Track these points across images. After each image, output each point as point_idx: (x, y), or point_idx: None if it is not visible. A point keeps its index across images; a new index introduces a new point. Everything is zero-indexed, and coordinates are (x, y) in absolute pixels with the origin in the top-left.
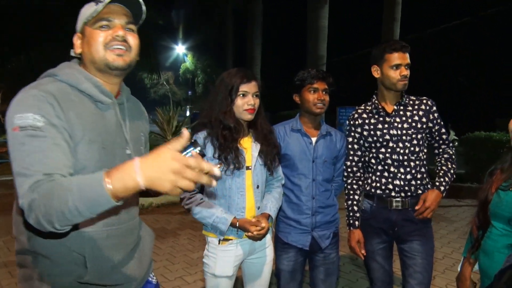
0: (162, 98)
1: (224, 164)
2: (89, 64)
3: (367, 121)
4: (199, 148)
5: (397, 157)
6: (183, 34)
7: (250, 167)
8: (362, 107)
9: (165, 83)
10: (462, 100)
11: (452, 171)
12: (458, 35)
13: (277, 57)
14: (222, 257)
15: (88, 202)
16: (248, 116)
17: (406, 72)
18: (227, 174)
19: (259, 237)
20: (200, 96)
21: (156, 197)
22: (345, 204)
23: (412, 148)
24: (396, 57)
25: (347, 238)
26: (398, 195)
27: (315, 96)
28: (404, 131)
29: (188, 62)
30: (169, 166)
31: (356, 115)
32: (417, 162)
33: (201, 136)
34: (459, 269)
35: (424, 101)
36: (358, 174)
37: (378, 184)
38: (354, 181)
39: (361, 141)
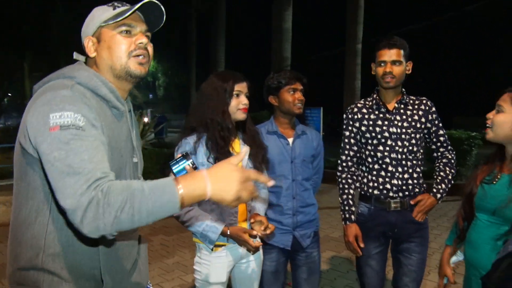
0: None
1: None
2: (106, 69)
3: (366, 116)
4: (191, 161)
5: (395, 156)
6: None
7: None
8: (362, 102)
9: None
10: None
11: (450, 177)
12: (418, 37)
13: (241, 60)
14: (215, 264)
15: (158, 205)
16: (243, 115)
17: (390, 69)
18: None
19: (256, 248)
20: (161, 99)
21: None
22: (340, 199)
23: (410, 148)
24: (382, 54)
25: (327, 236)
26: (396, 195)
27: (295, 96)
28: (404, 130)
29: None
30: (235, 177)
31: (355, 109)
32: (414, 162)
33: (190, 141)
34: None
35: (424, 101)
36: (353, 169)
37: (375, 184)
38: (349, 176)
39: (358, 136)
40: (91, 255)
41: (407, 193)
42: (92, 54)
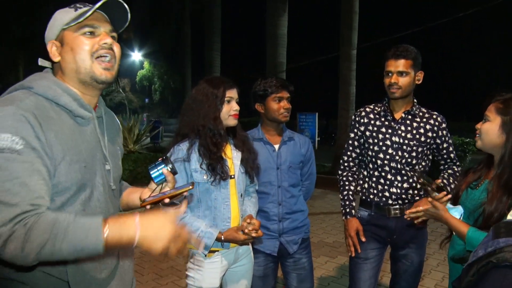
0: (118, 105)
1: (211, 175)
2: (70, 74)
3: (372, 121)
4: (170, 166)
5: (395, 165)
6: (140, 40)
7: (233, 176)
8: (371, 107)
9: (121, 90)
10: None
11: (452, 186)
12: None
13: (236, 64)
14: (209, 269)
15: (79, 248)
16: (234, 121)
17: (395, 80)
18: (213, 185)
19: (251, 238)
20: (157, 103)
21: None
22: (340, 196)
23: (409, 160)
24: (388, 64)
25: (321, 242)
26: (396, 202)
27: (281, 105)
28: (406, 141)
29: (145, 69)
30: (167, 231)
31: (363, 113)
32: (411, 174)
33: (183, 147)
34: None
35: (434, 116)
36: (354, 169)
37: (375, 191)
38: (350, 174)
39: (362, 140)
40: (58, 267)
41: (406, 201)
42: (56, 58)
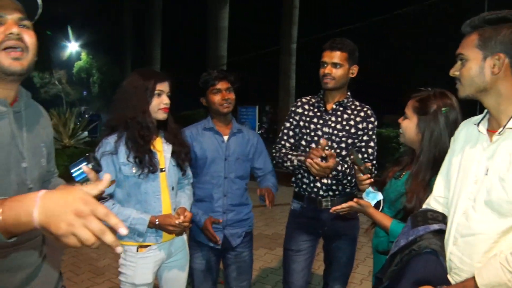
0: (54, 98)
1: (139, 168)
2: None
3: (306, 112)
4: (92, 163)
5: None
6: (77, 29)
7: (164, 169)
8: (308, 98)
9: (57, 82)
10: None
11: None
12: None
13: (177, 57)
14: (141, 265)
15: None
16: (163, 115)
17: (329, 71)
18: (141, 178)
19: (182, 229)
20: (96, 96)
21: None
22: (287, 161)
23: (338, 150)
24: (324, 55)
25: (260, 234)
26: (327, 194)
27: (219, 97)
28: (336, 132)
29: (83, 60)
30: (73, 205)
31: (299, 103)
32: (345, 166)
33: (111, 140)
34: None
35: (365, 109)
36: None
37: (306, 181)
38: (285, 150)
39: (297, 130)
40: None
41: (337, 192)
42: None
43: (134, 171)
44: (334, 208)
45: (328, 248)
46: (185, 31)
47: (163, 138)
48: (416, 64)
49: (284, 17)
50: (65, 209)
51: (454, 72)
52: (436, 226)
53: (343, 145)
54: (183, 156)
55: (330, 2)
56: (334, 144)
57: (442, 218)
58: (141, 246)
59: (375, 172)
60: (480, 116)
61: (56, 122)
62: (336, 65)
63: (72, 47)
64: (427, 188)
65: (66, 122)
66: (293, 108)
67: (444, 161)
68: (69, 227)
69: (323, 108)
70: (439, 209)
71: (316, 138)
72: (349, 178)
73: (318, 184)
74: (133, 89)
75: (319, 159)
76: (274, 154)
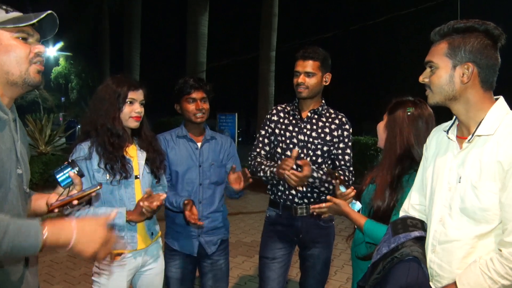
0: (31, 104)
1: (111, 174)
2: None
3: (281, 120)
4: (77, 169)
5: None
6: (55, 34)
7: (138, 176)
8: (283, 106)
9: None
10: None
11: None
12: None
13: (156, 62)
14: (115, 273)
15: (17, 249)
16: (135, 124)
17: (302, 80)
18: (113, 184)
19: (153, 210)
20: (74, 102)
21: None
22: (260, 171)
23: (314, 158)
24: (297, 65)
25: (239, 241)
26: (302, 201)
27: (193, 106)
28: (311, 139)
29: (61, 65)
30: (99, 237)
31: (274, 111)
32: (321, 172)
33: (85, 146)
34: None
35: (340, 116)
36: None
37: (282, 188)
38: (259, 158)
39: (272, 137)
40: None
41: (312, 200)
42: None
43: (107, 177)
44: (313, 206)
45: (303, 255)
46: (165, 37)
47: (137, 145)
48: (396, 71)
49: (263, 24)
50: (94, 240)
51: (423, 79)
52: (416, 233)
53: (318, 152)
54: (158, 164)
55: (309, 11)
56: (309, 151)
57: (421, 225)
58: (116, 254)
59: (353, 179)
60: (449, 123)
61: (32, 129)
62: (309, 74)
63: (50, 52)
64: (398, 185)
65: (42, 128)
66: (268, 116)
67: (418, 169)
68: (94, 252)
69: (298, 116)
70: (417, 216)
71: (291, 146)
72: (326, 185)
73: (293, 192)
74: (106, 95)
75: (295, 170)
76: (249, 162)
